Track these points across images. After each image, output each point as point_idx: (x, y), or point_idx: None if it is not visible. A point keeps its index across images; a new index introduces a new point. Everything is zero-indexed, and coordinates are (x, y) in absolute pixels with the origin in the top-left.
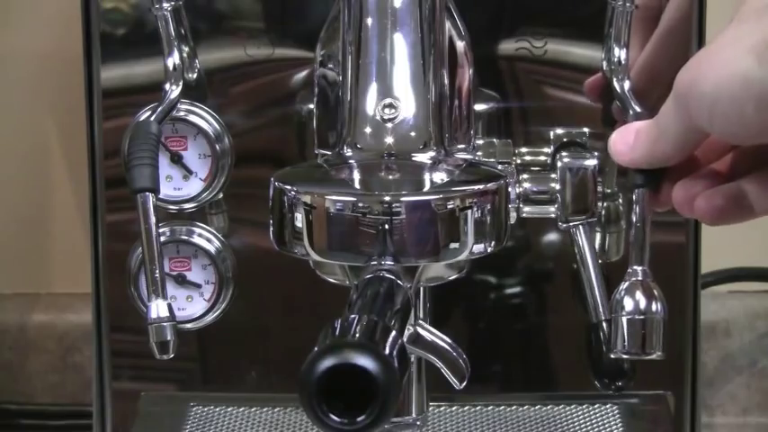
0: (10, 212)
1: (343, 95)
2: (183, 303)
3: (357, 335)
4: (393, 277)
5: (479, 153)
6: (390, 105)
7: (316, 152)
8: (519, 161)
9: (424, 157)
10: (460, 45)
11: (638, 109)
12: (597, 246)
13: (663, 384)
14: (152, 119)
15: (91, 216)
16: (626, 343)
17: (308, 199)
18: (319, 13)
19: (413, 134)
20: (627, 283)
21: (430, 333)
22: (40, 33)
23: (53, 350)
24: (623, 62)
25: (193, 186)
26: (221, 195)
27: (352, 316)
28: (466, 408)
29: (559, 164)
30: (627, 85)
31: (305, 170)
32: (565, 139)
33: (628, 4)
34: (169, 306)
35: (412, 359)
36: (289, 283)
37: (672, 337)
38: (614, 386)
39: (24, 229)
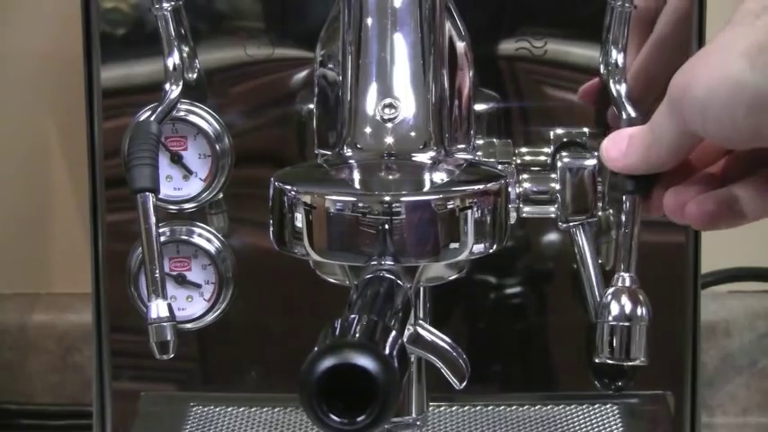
0: (10, 212)
1: (343, 95)
2: (183, 303)
3: (357, 335)
4: (393, 277)
5: (479, 153)
6: (390, 105)
7: (316, 152)
8: (519, 161)
9: (424, 157)
10: (460, 45)
11: (632, 113)
12: None
13: (663, 384)
14: (152, 119)
15: (91, 216)
16: (610, 349)
17: (308, 199)
18: (319, 13)
19: (413, 134)
20: (613, 289)
21: (430, 333)
22: (40, 33)
23: (53, 350)
24: (620, 65)
25: (193, 186)
26: (221, 195)
27: (352, 316)
28: (466, 408)
29: (559, 164)
30: (623, 88)
31: (305, 170)
32: (565, 139)
33: (627, 5)
34: (169, 306)
35: (412, 359)
36: (289, 283)
37: (672, 337)
38: (614, 386)
39: (24, 229)
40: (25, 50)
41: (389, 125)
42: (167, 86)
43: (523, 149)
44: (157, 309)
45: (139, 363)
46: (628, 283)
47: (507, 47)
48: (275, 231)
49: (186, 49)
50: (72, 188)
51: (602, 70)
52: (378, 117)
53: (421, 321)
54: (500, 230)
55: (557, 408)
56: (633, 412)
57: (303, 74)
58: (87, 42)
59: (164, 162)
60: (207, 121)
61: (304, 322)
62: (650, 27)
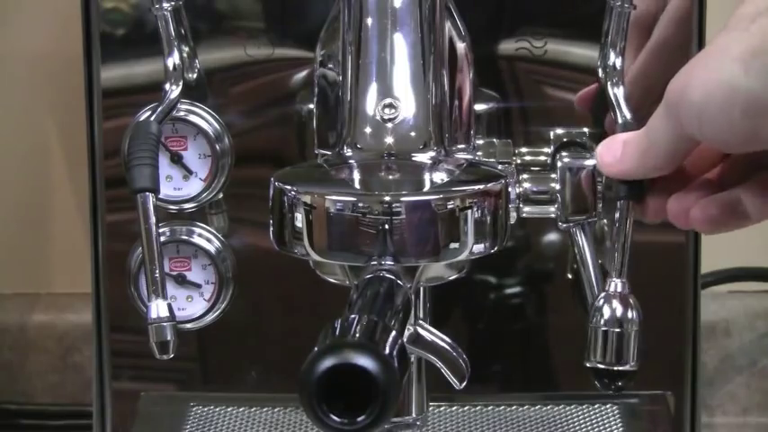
0: (10, 212)
1: (343, 95)
2: (183, 303)
3: (357, 335)
4: (393, 277)
5: (479, 153)
6: (390, 105)
7: (316, 152)
8: (519, 161)
9: (424, 157)
10: (460, 45)
11: (627, 116)
12: None
13: (663, 384)
14: (152, 119)
15: (91, 216)
16: (601, 353)
17: (308, 199)
18: (319, 13)
19: (413, 134)
20: (605, 294)
21: (430, 333)
22: (40, 33)
23: (53, 350)
24: (618, 68)
25: (193, 186)
26: (221, 195)
27: (352, 316)
28: (466, 408)
29: (559, 164)
30: (621, 91)
31: (305, 170)
32: (565, 139)
33: (626, 5)
34: (169, 306)
35: (412, 359)
36: (289, 283)
37: (672, 338)
38: (614, 386)
39: (24, 229)
40: (25, 50)
41: (389, 125)
42: (167, 86)
43: (523, 149)
44: (157, 309)
45: (139, 363)
46: (620, 289)
47: (507, 47)
48: (275, 231)
49: (186, 49)
50: (72, 188)
51: (600, 73)
52: (378, 117)
53: (421, 321)
54: (500, 230)
55: (557, 408)
56: (633, 412)
57: (303, 74)
58: (87, 42)
59: (164, 162)
60: (207, 121)
61: (304, 322)
62: (649, 31)
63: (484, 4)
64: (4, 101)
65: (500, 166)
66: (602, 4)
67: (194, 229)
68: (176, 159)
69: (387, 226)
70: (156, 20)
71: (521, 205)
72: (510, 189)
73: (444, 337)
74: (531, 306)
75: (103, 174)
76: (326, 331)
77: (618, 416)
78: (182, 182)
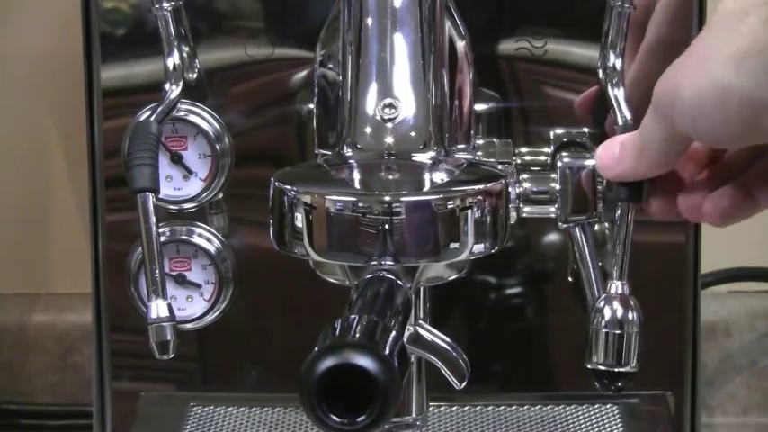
0: (10, 212)
1: (343, 95)
2: (183, 303)
3: (357, 335)
4: (393, 277)
5: (479, 153)
6: (390, 105)
7: (316, 152)
8: (519, 161)
9: (424, 157)
10: (460, 45)
11: (628, 117)
12: None
13: (663, 384)
14: (152, 119)
15: (91, 216)
16: (602, 356)
17: (308, 199)
18: (319, 13)
19: (413, 134)
20: (605, 296)
21: (430, 333)
22: (40, 33)
23: (53, 350)
24: (618, 68)
25: (193, 186)
26: (221, 195)
27: (353, 316)
28: (466, 408)
29: (559, 164)
30: (621, 92)
31: (305, 170)
32: (565, 139)
33: (626, 5)
34: (169, 306)
35: (412, 359)
36: (289, 283)
37: (672, 337)
38: (614, 387)
39: (24, 229)
40: (25, 50)
41: (389, 125)
42: (167, 86)
43: (523, 149)
44: (157, 309)
45: (139, 363)
46: (620, 290)
47: (507, 47)
48: (275, 231)
49: (186, 49)
50: (72, 188)
51: (600, 74)
52: (378, 117)
53: (421, 321)
54: (500, 230)
55: (557, 408)
56: (633, 412)
57: (303, 74)
58: (87, 42)
59: (164, 162)
60: (207, 121)
61: (304, 322)
62: (643, 27)
63: (484, 4)
64: (4, 101)
65: (500, 166)
66: (602, 4)
67: (194, 229)
68: (176, 159)
69: (387, 226)
70: (156, 20)
71: (521, 205)
72: (510, 189)
73: (444, 337)
74: (531, 306)
75: (103, 174)
76: (326, 331)
77: (618, 416)
78: (182, 182)
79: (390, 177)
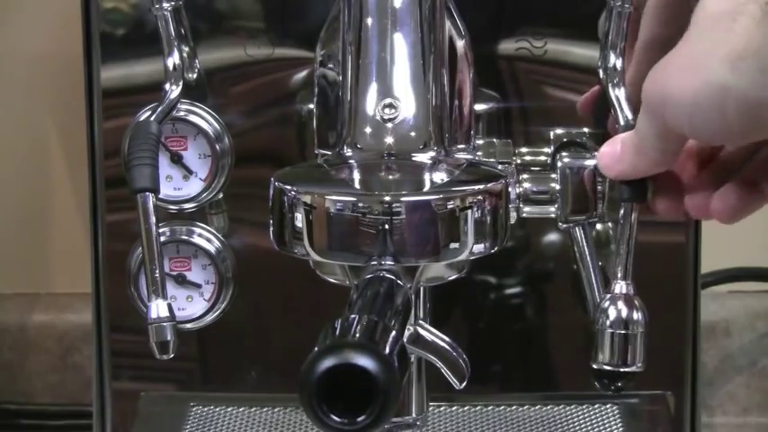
0: (10, 212)
1: (343, 95)
2: (183, 303)
3: (357, 335)
4: (393, 277)
5: (479, 153)
6: (390, 105)
7: (316, 152)
8: (519, 161)
9: (424, 157)
10: (460, 45)
11: (629, 116)
12: None
13: (663, 384)
14: (152, 119)
15: (91, 216)
16: (608, 356)
17: (308, 199)
18: (319, 13)
19: (413, 134)
20: (610, 296)
21: (430, 333)
22: (40, 33)
23: (53, 350)
24: (618, 68)
25: (193, 186)
26: (221, 195)
27: (353, 316)
28: (466, 408)
29: (559, 164)
30: (622, 92)
31: (305, 170)
32: (565, 139)
33: (626, 5)
34: (169, 306)
35: (412, 359)
36: (289, 283)
37: (672, 337)
38: (614, 386)
39: (24, 229)
40: (25, 50)
41: (389, 125)
42: (167, 86)
43: (523, 149)
44: (157, 309)
45: (139, 363)
46: (624, 290)
47: (507, 47)
48: (275, 231)
49: (186, 49)
50: (72, 188)
51: (601, 75)
52: (378, 117)
53: (421, 321)
54: (500, 230)
55: (557, 408)
56: (633, 412)
57: (303, 74)
58: (87, 42)
59: (164, 162)
60: (207, 121)
61: (304, 322)
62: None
63: (484, 4)
64: (4, 101)
65: (500, 166)
66: (602, 4)
67: (194, 229)
68: (176, 159)
69: (387, 226)
70: (156, 20)
71: (521, 205)
72: (510, 189)
73: (444, 337)
74: (531, 306)
75: (103, 174)
76: (326, 331)
77: (618, 416)
78: (182, 182)
79: (390, 177)
